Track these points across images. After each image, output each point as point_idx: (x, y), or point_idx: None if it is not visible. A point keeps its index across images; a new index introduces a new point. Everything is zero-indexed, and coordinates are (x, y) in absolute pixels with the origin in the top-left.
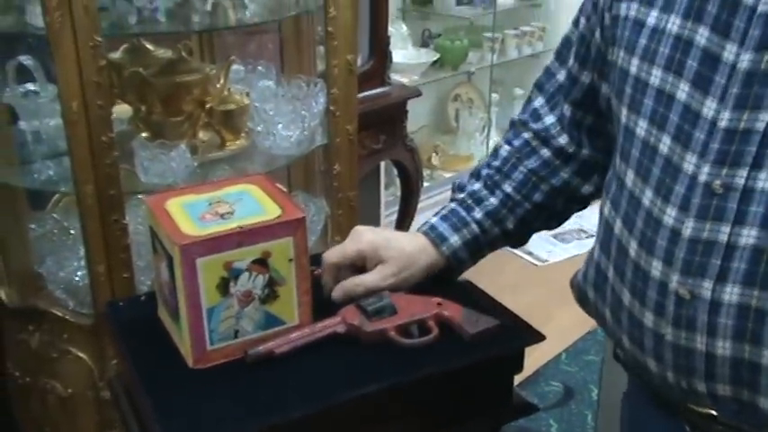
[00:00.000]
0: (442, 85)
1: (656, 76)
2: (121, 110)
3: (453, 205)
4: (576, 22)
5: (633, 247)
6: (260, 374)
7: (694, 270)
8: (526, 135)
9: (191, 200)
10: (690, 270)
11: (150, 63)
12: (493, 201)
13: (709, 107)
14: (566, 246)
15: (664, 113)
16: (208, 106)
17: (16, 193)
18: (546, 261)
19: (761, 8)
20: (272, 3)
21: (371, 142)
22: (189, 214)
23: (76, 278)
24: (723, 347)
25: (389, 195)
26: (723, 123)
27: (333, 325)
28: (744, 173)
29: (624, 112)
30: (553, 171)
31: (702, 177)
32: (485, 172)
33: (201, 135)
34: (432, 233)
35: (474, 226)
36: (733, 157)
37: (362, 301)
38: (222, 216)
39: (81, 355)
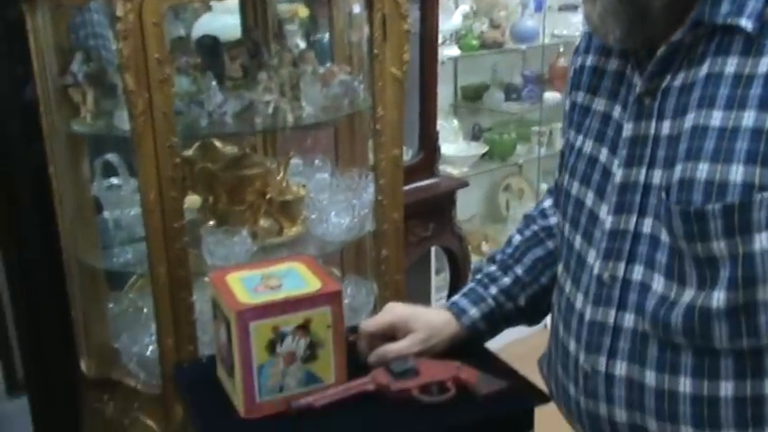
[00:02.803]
0: (492, 176)
1: (575, 188)
2: (192, 200)
3: (472, 284)
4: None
5: (560, 329)
6: (301, 425)
7: (593, 348)
8: (535, 227)
9: (247, 275)
10: (590, 348)
11: (218, 158)
12: (506, 280)
13: (603, 211)
14: None
15: (575, 215)
16: (268, 197)
17: (97, 275)
18: None
19: (624, 133)
20: (326, 104)
21: (421, 230)
22: (245, 286)
23: (148, 353)
24: (620, 415)
25: (440, 281)
26: (608, 225)
27: (364, 384)
28: (622, 266)
29: (566, 226)
30: (556, 260)
31: (596, 270)
32: (499, 257)
33: (262, 222)
34: (454, 308)
35: (490, 300)
36: (615, 253)
37: (391, 364)
38: (272, 288)
39: (149, 422)
